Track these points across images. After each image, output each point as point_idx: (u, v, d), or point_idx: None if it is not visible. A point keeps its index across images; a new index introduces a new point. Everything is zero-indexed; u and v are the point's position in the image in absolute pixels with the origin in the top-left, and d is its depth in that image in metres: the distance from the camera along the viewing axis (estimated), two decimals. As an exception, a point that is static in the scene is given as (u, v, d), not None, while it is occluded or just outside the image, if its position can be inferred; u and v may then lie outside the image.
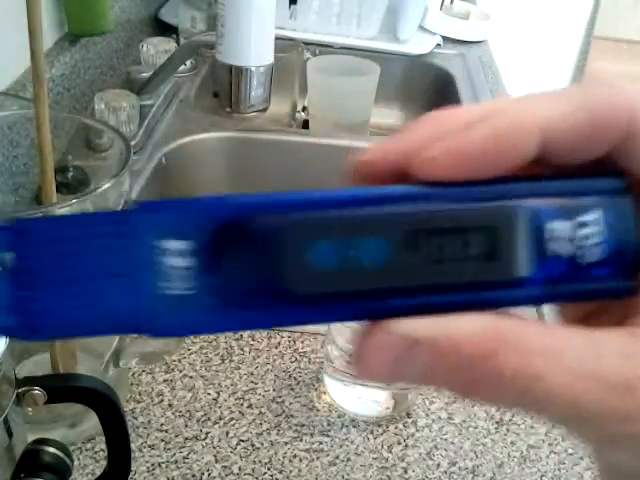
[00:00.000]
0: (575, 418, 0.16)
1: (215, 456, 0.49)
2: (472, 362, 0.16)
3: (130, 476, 0.43)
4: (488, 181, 0.18)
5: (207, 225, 0.17)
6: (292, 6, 1.17)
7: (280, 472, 0.49)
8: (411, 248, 0.18)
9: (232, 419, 0.52)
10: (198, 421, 0.52)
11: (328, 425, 0.53)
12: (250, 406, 0.53)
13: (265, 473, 0.49)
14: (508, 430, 0.54)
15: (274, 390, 0.55)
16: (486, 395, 0.17)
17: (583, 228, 0.18)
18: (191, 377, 0.55)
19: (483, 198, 0.18)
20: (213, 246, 0.17)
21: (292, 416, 0.53)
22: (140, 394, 0.53)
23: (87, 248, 0.17)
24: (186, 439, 0.50)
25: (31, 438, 0.38)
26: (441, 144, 0.17)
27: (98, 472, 0.43)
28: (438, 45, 1.26)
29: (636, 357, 0.16)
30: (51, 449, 0.38)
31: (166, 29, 1.17)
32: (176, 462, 0.49)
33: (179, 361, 0.57)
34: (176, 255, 0.17)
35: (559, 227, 0.18)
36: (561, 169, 0.18)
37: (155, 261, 0.17)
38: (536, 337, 0.16)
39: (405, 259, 0.18)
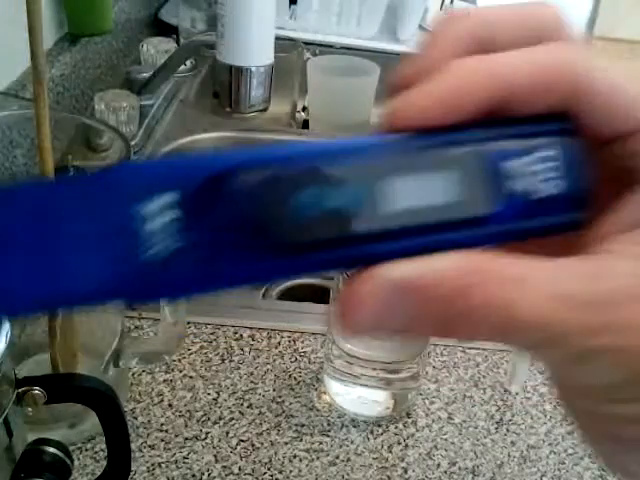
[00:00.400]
0: (544, 340, 0.17)
1: (215, 456, 0.49)
2: (453, 296, 0.17)
3: (130, 476, 0.42)
4: (450, 128, 0.19)
5: (189, 180, 0.17)
6: (292, 6, 1.17)
7: (280, 472, 0.49)
8: (382, 194, 0.18)
9: (232, 419, 0.52)
10: (198, 421, 0.52)
11: (328, 425, 0.53)
12: (250, 406, 0.53)
13: (265, 473, 0.49)
14: (508, 430, 0.54)
15: (274, 390, 0.55)
16: (466, 329, 0.17)
17: (536, 165, 0.19)
18: (191, 377, 0.55)
19: (445, 144, 0.19)
20: (196, 202, 0.17)
21: (292, 416, 0.53)
22: (140, 394, 0.53)
23: (64, 213, 0.16)
24: (186, 439, 0.50)
25: (31, 438, 0.38)
26: (405, 97, 0.19)
27: (98, 472, 0.43)
28: (438, 45, 1.26)
29: (599, 277, 0.17)
30: (51, 449, 0.38)
31: (166, 29, 1.17)
32: (176, 462, 0.49)
33: (179, 361, 0.57)
34: (158, 214, 0.17)
35: (515, 166, 0.19)
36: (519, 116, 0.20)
37: (138, 222, 0.16)
38: (507, 267, 0.17)
39: (379, 205, 0.18)
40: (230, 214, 0.17)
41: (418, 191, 0.19)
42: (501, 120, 0.20)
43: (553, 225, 0.20)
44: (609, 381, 0.18)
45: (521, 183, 0.19)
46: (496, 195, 0.19)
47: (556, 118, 0.20)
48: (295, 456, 0.50)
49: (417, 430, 0.53)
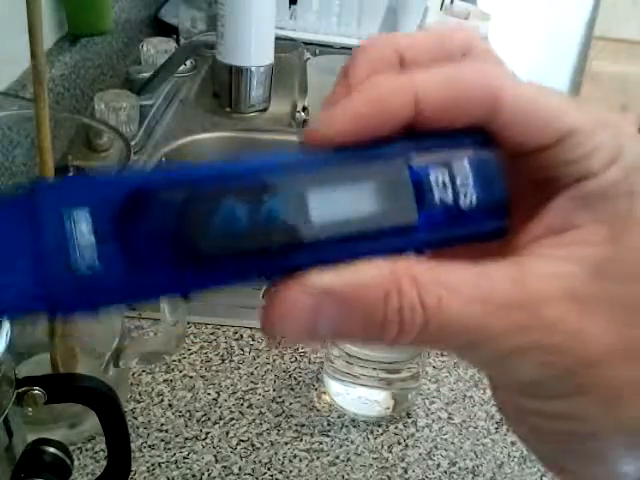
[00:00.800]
0: (469, 342, 0.18)
1: (215, 456, 0.49)
2: (377, 303, 0.17)
3: (130, 476, 0.42)
4: (374, 142, 0.20)
5: (111, 197, 0.18)
6: (292, 6, 1.17)
7: (280, 472, 0.49)
8: (304, 208, 0.19)
9: (232, 419, 0.52)
10: (198, 421, 0.52)
11: (328, 425, 0.53)
12: (250, 406, 0.53)
13: (265, 473, 0.49)
14: (508, 430, 0.54)
15: (274, 390, 0.55)
16: (391, 334, 0.18)
17: (456, 177, 0.20)
18: (191, 377, 0.55)
19: (367, 157, 0.20)
20: (118, 218, 0.18)
21: (292, 416, 0.53)
22: (140, 394, 0.53)
23: None
24: (186, 439, 0.50)
25: (31, 438, 0.38)
26: (324, 115, 0.20)
27: (98, 472, 0.43)
28: (438, 45, 1.26)
29: (522, 280, 0.18)
30: (51, 449, 0.38)
31: (166, 29, 1.17)
32: (176, 462, 0.49)
33: (179, 361, 0.57)
34: (79, 229, 0.17)
35: (433, 178, 0.20)
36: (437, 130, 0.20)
37: (59, 237, 0.17)
38: (431, 272, 0.18)
39: (301, 216, 0.19)
40: (151, 229, 0.18)
41: (340, 203, 0.19)
42: (421, 134, 0.20)
43: (475, 233, 0.20)
44: (533, 378, 0.18)
45: (440, 194, 0.20)
46: (417, 206, 0.20)
47: (474, 132, 0.20)
48: (295, 456, 0.50)
49: (417, 430, 0.53)
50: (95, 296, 0.18)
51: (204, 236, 0.18)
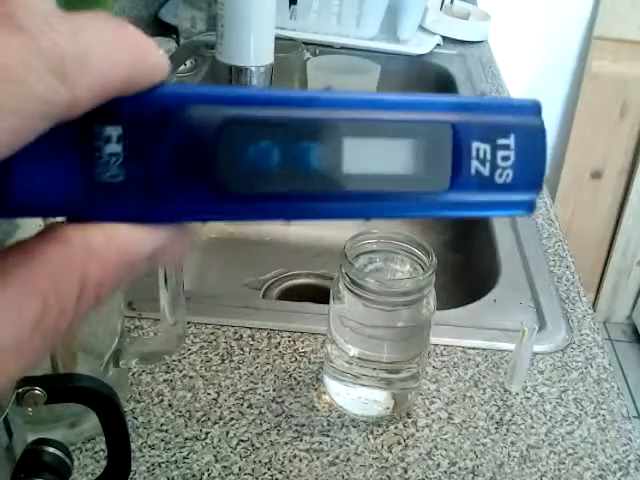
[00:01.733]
0: None
1: (215, 456, 0.49)
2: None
3: (130, 476, 0.42)
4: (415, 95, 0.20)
5: (140, 111, 0.17)
6: (292, 6, 1.17)
7: (280, 472, 0.49)
8: (339, 154, 0.18)
9: (232, 419, 0.52)
10: (198, 421, 0.52)
11: (328, 425, 0.53)
12: (250, 406, 0.53)
13: (265, 473, 0.49)
14: (508, 430, 0.54)
15: (274, 390, 0.55)
16: None
17: (498, 153, 0.20)
18: (191, 377, 0.55)
19: (418, 109, 0.19)
20: (144, 135, 0.17)
21: (292, 416, 0.53)
22: (140, 394, 0.53)
23: None
24: (186, 439, 0.50)
25: (31, 438, 0.38)
26: None
27: (98, 472, 0.43)
28: (438, 45, 1.26)
29: None
30: (51, 449, 0.38)
31: (166, 29, 1.17)
32: (176, 462, 0.49)
33: (179, 361, 0.57)
34: (111, 142, 0.17)
35: (477, 149, 0.20)
36: None
37: (90, 147, 0.17)
38: None
39: (337, 165, 0.18)
40: (176, 152, 0.17)
41: (376, 156, 0.19)
42: (478, 98, 0.20)
43: (503, 206, 0.21)
44: None
45: (478, 166, 0.20)
46: (451, 175, 0.19)
47: (529, 103, 0.20)
48: (295, 456, 0.50)
49: (417, 430, 0.53)
50: (112, 208, 0.17)
51: (231, 169, 0.18)
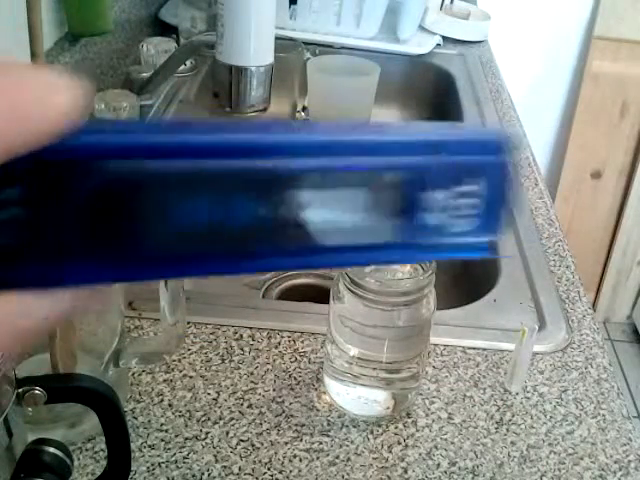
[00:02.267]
0: None
1: (215, 456, 0.49)
2: None
3: (130, 476, 0.42)
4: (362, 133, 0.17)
5: (40, 169, 0.15)
6: (292, 6, 1.17)
7: (280, 472, 0.49)
8: (281, 206, 0.16)
9: (232, 419, 0.52)
10: (198, 421, 0.52)
11: (328, 425, 0.53)
12: (250, 406, 0.53)
13: (265, 473, 0.49)
14: (508, 430, 0.54)
15: (274, 390, 0.55)
16: None
17: (463, 194, 0.18)
18: (191, 377, 0.55)
19: (365, 151, 0.17)
20: (48, 194, 0.15)
21: (292, 416, 0.53)
22: (140, 394, 0.53)
23: None
24: (186, 439, 0.50)
25: (31, 438, 0.38)
26: None
27: (98, 472, 0.43)
28: (438, 45, 1.26)
29: None
30: (51, 449, 0.38)
31: (166, 29, 1.17)
32: (176, 462, 0.49)
33: (179, 361, 0.57)
34: (8, 205, 0.15)
35: (435, 196, 0.18)
36: None
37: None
38: None
39: (276, 218, 0.16)
40: (83, 209, 0.15)
41: (313, 208, 0.17)
42: (440, 133, 0.18)
43: (460, 254, 0.19)
44: None
45: (436, 215, 0.18)
46: (403, 224, 0.18)
47: (493, 145, 0.18)
48: (295, 456, 0.50)
49: (417, 430, 0.53)
50: (13, 272, 0.15)
51: (147, 228, 0.15)
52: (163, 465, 0.48)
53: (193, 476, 0.48)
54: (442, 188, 0.18)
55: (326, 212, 0.17)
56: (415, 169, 0.18)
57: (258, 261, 0.17)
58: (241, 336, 0.60)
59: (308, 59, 1.02)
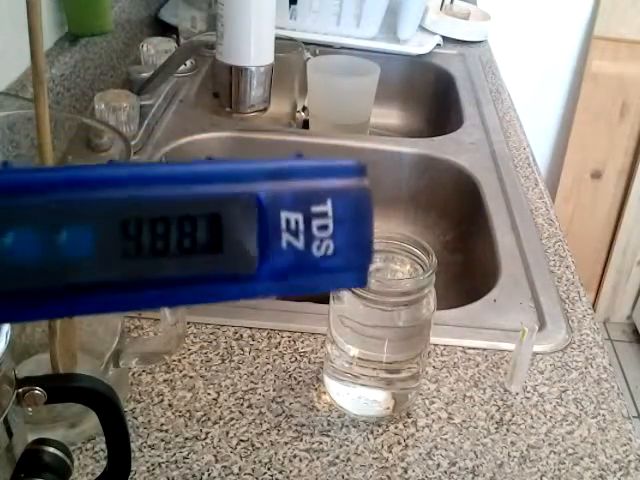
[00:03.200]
0: None
1: (215, 456, 0.49)
2: None
3: (130, 476, 0.42)
4: (204, 163, 0.17)
5: None
6: (292, 6, 1.17)
7: (280, 472, 0.49)
8: (118, 238, 0.15)
9: (232, 419, 0.52)
10: (198, 421, 0.52)
11: (328, 425, 0.53)
12: (250, 406, 0.53)
13: (265, 473, 0.49)
14: (508, 430, 0.54)
15: (274, 390, 0.55)
16: None
17: (315, 219, 0.17)
18: (191, 377, 0.55)
19: (201, 182, 0.16)
20: None
21: (292, 416, 0.53)
22: (140, 394, 0.53)
23: None
24: (186, 439, 0.50)
25: (31, 438, 0.38)
26: None
27: (98, 472, 0.43)
28: (438, 45, 1.26)
29: None
30: (51, 449, 0.38)
31: (166, 29, 1.17)
32: (176, 462, 0.49)
33: (179, 361, 0.57)
34: None
35: (289, 217, 0.17)
36: None
37: None
38: None
39: (112, 250, 0.15)
40: None
41: (163, 235, 0.16)
42: (288, 161, 0.17)
43: (329, 283, 0.18)
44: None
45: (293, 237, 0.17)
46: (264, 248, 0.17)
47: (349, 165, 0.18)
48: (295, 456, 0.50)
49: (417, 430, 0.53)
50: None
51: None
52: (163, 465, 0.48)
53: (193, 476, 0.48)
54: (292, 210, 0.17)
55: (165, 242, 0.16)
56: (259, 191, 0.16)
57: (106, 297, 0.16)
58: (241, 336, 0.60)
59: (308, 59, 1.02)
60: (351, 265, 0.18)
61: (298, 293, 0.18)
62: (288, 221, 0.17)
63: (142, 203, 0.16)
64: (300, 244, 0.17)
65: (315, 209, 0.17)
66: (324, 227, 0.17)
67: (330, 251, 0.17)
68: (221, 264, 0.16)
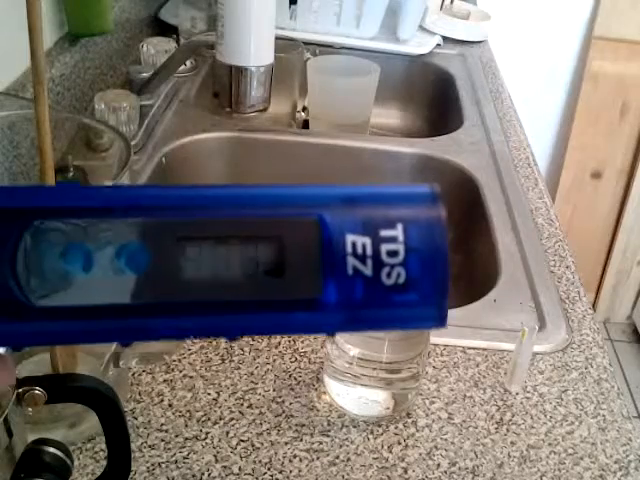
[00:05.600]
0: None
1: (215, 456, 0.49)
2: None
3: (130, 476, 0.42)
4: (269, 187, 0.16)
5: None
6: (292, 6, 1.17)
7: (280, 472, 0.49)
8: (176, 258, 0.15)
9: (232, 419, 0.52)
10: (198, 421, 0.52)
11: (328, 425, 0.53)
12: (250, 406, 0.53)
13: (265, 473, 0.49)
14: (508, 430, 0.54)
15: (274, 390, 0.55)
16: None
17: (384, 244, 0.16)
18: (191, 377, 0.55)
19: (264, 204, 0.15)
20: None
21: (292, 416, 0.53)
22: (140, 394, 0.53)
23: None
24: (186, 439, 0.50)
25: (31, 438, 0.38)
26: None
27: (98, 472, 0.43)
28: (438, 45, 1.26)
29: None
30: (51, 449, 0.38)
31: (166, 29, 1.17)
32: (176, 462, 0.49)
33: (179, 361, 0.57)
34: None
35: (356, 241, 0.16)
36: None
37: None
38: None
39: (168, 270, 0.15)
40: None
41: (222, 259, 0.15)
42: (357, 187, 0.16)
43: (402, 319, 0.16)
44: None
45: (362, 264, 0.16)
46: (329, 275, 0.16)
47: (424, 189, 0.16)
48: (295, 456, 0.50)
49: (417, 430, 0.53)
50: None
51: (34, 282, 0.14)
52: (163, 465, 0.48)
53: (193, 476, 0.48)
54: (358, 233, 0.16)
55: (225, 264, 0.15)
56: (324, 214, 0.15)
57: (162, 320, 0.15)
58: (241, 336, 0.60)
59: (308, 59, 1.02)
60: (426, 301, 0.16)
61: (368, 328, 0.16)
62: (354, 245, 0.15)
63: (203, 223, 0.15)
64: (368, 270, 0.16)
65: (384, 233, 0.16)
66: (394, 253, 0.16)
67: (402, 280, 0.16)
68: (283, 288, 0.15)
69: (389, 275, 0.16)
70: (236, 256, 0.15)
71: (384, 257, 0.16)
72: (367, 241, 0.15)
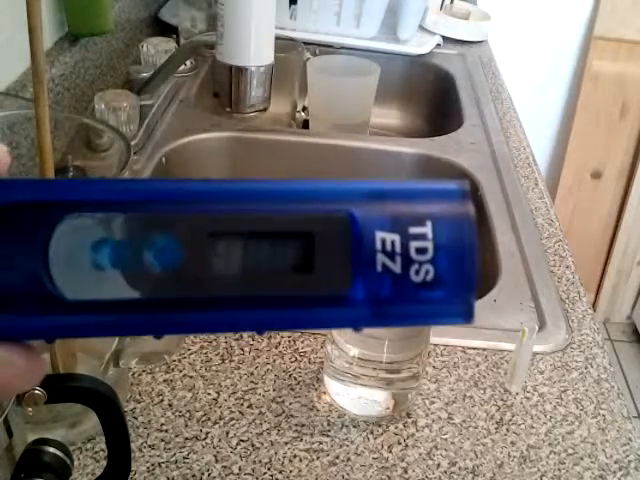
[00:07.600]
0: None
1: (215, 456, 0.49)
2: None
3: (130, 476, 0.42)
4: (297, 182, 0.16)
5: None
6: (292, 6, 1.17)
7: (280, 472, 0.49)
8: (207, 253, 0.15)
9: (232, 419, 0.52)
10: (198, 421, 0.52)
11: (328, 425, 0.53)
12: (250, 406, 0.53)
13: (265, 473, 0.49)
14: (508, 430, 0.54)
15: (274, 390, 0.55)
16: None
17: (413, 241, 0.16)
18: (191, 377, 0.55)
19: (293, 199, 0.16)
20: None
21: (292, 416, 0.53)
22: (140, 394, 0.53)
23: None
24: (186, 439, 0.50)
25: (31, 438, 0.38)
26: None
27: (98, 472, 0.43)
28: (438, 45, 1.26)
29: None
30: (51, 449, 0.38)
31: (166, 29, 1.17)
32: (176, 462, 0.49)
33: (179, 361, 0.57)
34: None
35: (385, 238, 0.16)
36: None
37: None
38: None
39: (199, 265, 0.15)
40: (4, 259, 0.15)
41: (255, 254, 0.15)
42: (385, 183, 0.16)
43: (430, 315, 0.16)
44: None
45: (391, 260, 0.16)
46: (357, 271, 0.16)
47: (452, 193, 0.16)
48: (295, 456, 0.50)
49: (417, 430, 0.53)
50: None
51: (68, 276, 0.15)
52: (163, 465, 0.48)
53: (193, 476, 0.48)
54: (388, 230, 0.16)
55: (256, 258, 0.15)
56: (354, 210, 0.16)
57: (195, 315, 0.15)
58: (241, 336, 0.60)
59: (308, 59, 1.02)
60: (454, 297, 0.16)
61: (395, 323, 0.17)
62: (384, 242, 0.16)
63: (234, 219, 0.15)
64: (397, 267, 0.16)
65: (413, 230, 0.16)
66: (423, 250, 0.16)
67: (430, 277, 0.16)
68: (312, 283, 0.16)
69: (417, 272, 0.16)
70: (266, 252, 0.15)
71: (413, 254, 0.16)
72: (396, 238, 0.16)
